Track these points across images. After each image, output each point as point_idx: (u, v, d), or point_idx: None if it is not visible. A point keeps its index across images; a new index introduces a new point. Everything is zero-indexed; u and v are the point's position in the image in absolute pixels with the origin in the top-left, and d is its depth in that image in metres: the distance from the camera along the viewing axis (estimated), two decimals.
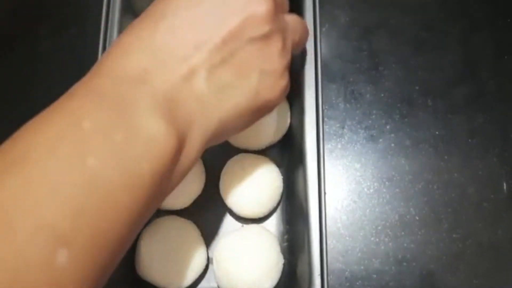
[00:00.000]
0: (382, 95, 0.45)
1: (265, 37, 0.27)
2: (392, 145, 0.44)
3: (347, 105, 0.45)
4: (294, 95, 0.37)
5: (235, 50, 0.26)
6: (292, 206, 0.39)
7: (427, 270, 0.41)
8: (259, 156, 0.40)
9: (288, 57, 0.29)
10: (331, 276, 0.40)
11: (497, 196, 0.42)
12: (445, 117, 0.45)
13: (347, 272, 0.41)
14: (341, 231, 0.42)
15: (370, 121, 0.45)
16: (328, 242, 0.40)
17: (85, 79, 0.25)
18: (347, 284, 0.40)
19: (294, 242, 0.38)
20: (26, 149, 0.21)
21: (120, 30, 0.37)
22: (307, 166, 0.35)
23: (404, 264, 0.41)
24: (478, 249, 0.41)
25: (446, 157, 0.44)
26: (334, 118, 0.45)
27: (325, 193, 0.35)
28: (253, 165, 0.39)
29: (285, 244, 0.39)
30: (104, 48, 0.37)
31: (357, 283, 0.40)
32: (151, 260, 0.37)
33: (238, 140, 0.41)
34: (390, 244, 0.41)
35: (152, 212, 0.26)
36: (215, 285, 0.38)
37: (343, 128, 0.45)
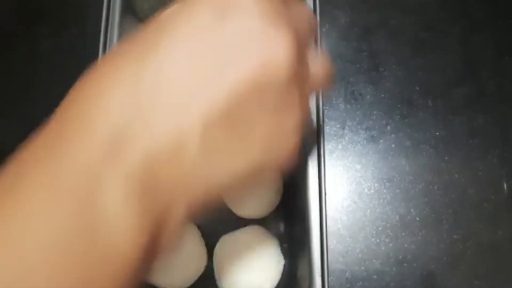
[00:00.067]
0: (383, 95, 0.45)
1: (281, 90, 0.21)
2: (393, 145, 0.44)
3: (348, 105, 0.45)
4: None
5: (240, 109, 0.20)
6: (293, 207, 0.39)
7: (427, 271, 0.41)
8: None
9: (305, 109, 0.24)
10: (331, 277, 0.40)
11: (497, 197, 0.42)
12: (445, 118, 0.45)
13: (347, 273, 0.41)
14: (342, 232, 0.42)
15: (370, 122, 0.45)
16: (329, 242, 0.40)
17: (41, 141, 0.19)
18: (348, 285, 0.40)
19: (294, 243, 0.38)
20: None
21: (120, 30, 0.37)
22: (307, 166, 0.35)
23: (405, 264, 0.41)
24: (479, 249, 0.41)
25: (446, 157, 0.44)
26: (334, 118, 0.45)
27: (325, 193, 0.35)
28: None
29: (286, 245, 0.39)
30: (104, 48, 0.37)
31: (358, 284, 0.40)
32: None
33: None
34: (391, 244, 0.41)
35: None
36: (216, 285, 0.38)
37: (343, 128, 0.44)
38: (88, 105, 0.19)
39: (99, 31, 0.37)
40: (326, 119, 0.44)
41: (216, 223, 0.40)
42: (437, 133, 0.44)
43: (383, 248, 0.41)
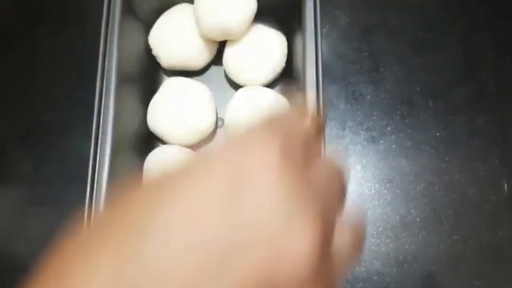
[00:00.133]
0: (383, 96, 0.45)
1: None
2: (393, 146, 0.44)
3: (348, 106, 0.45)
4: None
5: None
6: None
7: (428, 271, 0.41)
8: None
9: None
10: None
11: (497, 197, 0.42)
12: (445, 118, 0.45)
13: (347, 274, 0.41)
14: None
15: (371, 122, 0.45)
16: None
17: None
18: (348, 286, 0.40)
19: None
20: None
21: (120, 31, 0.37)
22: None
23: (405, 265, 0.41)
24: (479, 250, 0.41)
25: (447, 158, 0.43)
26: (335, 119, 0.45)
27: None
28: None
29: None
30: (104, 48, 0.37)
31: (358, 285, 0.40)
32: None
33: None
34: (391, 245, 0.41)
35: None
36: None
37: (344, 129, 0.44)
38: None
39: (99, 31, 0.37)
40: (326, 120, 0.44)
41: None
42: (438, 134, 0.44)
43: (383, 248, 0.41)
